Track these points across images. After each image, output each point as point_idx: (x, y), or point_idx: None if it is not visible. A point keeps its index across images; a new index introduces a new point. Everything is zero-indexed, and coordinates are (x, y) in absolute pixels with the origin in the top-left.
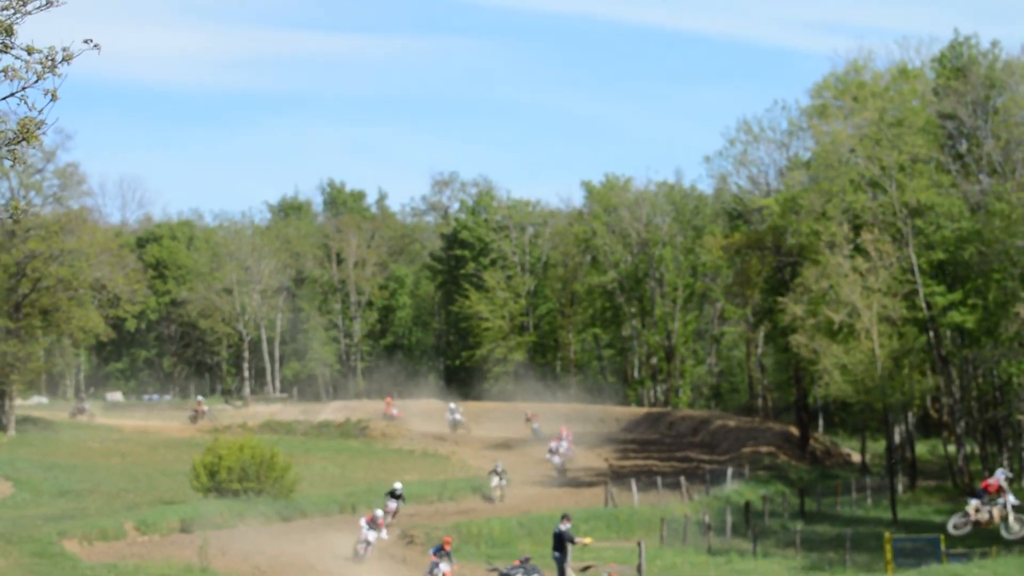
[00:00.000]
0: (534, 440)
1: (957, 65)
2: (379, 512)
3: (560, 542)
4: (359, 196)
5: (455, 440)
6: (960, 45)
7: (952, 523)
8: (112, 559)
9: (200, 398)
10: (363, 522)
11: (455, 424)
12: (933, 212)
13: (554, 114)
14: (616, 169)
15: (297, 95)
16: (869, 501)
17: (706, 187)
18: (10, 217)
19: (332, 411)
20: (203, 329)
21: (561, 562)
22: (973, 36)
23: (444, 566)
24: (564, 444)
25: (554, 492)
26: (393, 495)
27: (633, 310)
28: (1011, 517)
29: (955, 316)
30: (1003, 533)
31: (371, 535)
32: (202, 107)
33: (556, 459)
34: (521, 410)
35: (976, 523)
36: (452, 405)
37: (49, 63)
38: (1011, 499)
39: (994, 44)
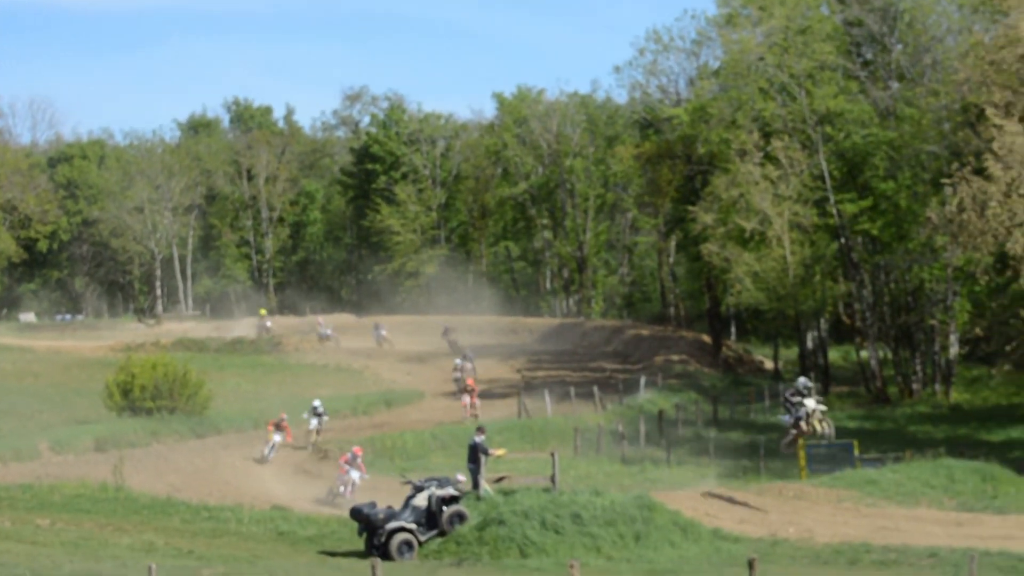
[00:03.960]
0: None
1: None
2: (284, 415)
3: (474, 454)
4: (267, 112)
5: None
6: None
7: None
8: (27, 479)
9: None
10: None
11: (262, 329)
12: (842, 119)
13: (467, 27)
14: (531, 81)
15: (203, 12)
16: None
17: (619, 97)
18: None
19: (245, 327)
20: (115, 248)
21: (476, 474)
22: None
23: (355, 474)
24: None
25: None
26: (315, 412)
27: (545, 221)
28: (816, 423)
29: (865, 223)
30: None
31: (277, 436)
32: (110, 26)
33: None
34: (434, 323)
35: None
36: (263, 312)
37: None
38: (810, 404)
39: None
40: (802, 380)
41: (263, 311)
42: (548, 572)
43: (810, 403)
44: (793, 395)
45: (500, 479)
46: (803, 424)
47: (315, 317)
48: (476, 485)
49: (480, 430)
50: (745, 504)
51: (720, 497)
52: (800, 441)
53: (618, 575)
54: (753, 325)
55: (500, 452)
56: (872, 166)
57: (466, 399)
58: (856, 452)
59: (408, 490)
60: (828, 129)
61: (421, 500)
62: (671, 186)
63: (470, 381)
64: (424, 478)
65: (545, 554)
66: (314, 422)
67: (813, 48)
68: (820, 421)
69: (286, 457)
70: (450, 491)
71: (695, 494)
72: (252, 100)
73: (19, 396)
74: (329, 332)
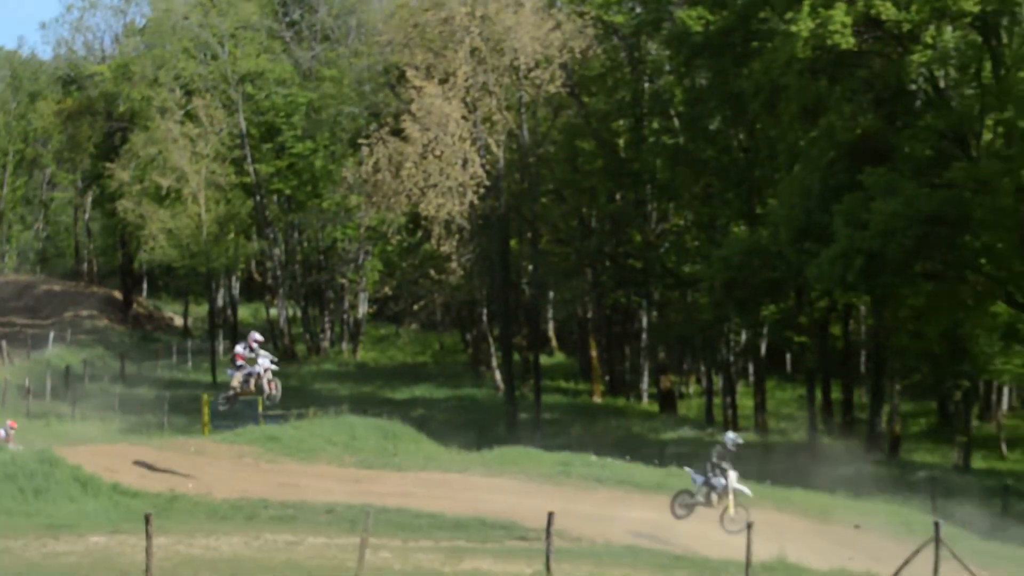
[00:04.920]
0: None
1: None
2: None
3: None
4: None
5: None
6: None
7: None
8: None
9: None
10: None
11: None
12: (264, 79)
13: None
14: None
15: None
16: (190, 364)
17: (44, 54)
18: None
19: None
20: None
21: None
22: None
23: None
24: None
25: None
26: None
27: None
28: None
29: (279, 184)
30: None
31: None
32: None
33: None
34: None
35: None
36: None
37: None
38: (732, 478)
39: None
40: (731, 436)
41: None
42: None
43: (732, 477)
44: (720, 457)
45: None
46: (714, 497)
47: None
48: None
49: None
50: (170, 471)
51: (145, 465)
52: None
53: (16, 530)
54: (165, 282)
55: None
56: (291, 126)
57: None
58: (260, 409)
59: None
60: (249, 88)
61: None
62: (90, 143)
63: None
64: None
65: None
66: None
67: (237, 8)
68: (726, 511)
69: None
70: None
71: (97, 448)
72: None
73: None
74: None
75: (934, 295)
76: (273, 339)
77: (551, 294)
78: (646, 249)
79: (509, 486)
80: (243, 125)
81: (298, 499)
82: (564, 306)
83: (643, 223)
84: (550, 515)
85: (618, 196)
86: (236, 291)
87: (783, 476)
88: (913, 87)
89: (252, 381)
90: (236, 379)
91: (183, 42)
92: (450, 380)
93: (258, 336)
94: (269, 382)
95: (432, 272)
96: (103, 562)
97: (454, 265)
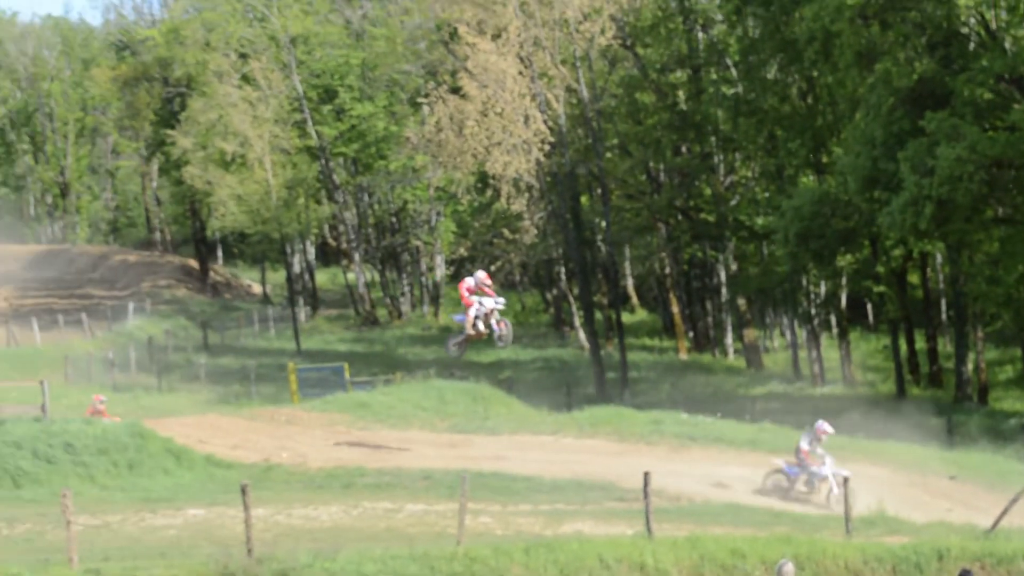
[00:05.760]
0: None
1: None
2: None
3: None
4: None
5: None
6: None
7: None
8: None
9: None
10: None
11: None
12: (314, 41)
13: None
14: (2, 4)
15: None
16: (272, 332)
17: (93, 20)
18: None
19: None
20: None
21: None
22: None
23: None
24: None
25: None
26: None
27: (25, 147)
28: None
29: (342, 147)
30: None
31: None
32: None
33: None
34: None
35: None
36: None
37: None
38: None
39: None
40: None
41: None
42: (42, 503)
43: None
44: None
45: None
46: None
47: None
48: None
49: None
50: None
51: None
52: None
53: (113, 505)
54: (240, 249)
55: None
56: (348, 88)
57: None
58: (347, 375)
59: None
60: (300, 51)
61: None
62: (150, 109)
63: None
64: None
65: (39, 484)
66: None
67: None
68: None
69: None
70: None
71: (187, 420)
72: None
73: None
74: None
75: (1008, 240)
76: (353, 304)
77: (627, 250)
78: (717, 202)
79: (603, 447)
80: (299, 87)
81: (394, 466)
82: (641, 262)
83: (711, 176)
84: (647, 475)
85: (683, 149)
86: (312, 256)
87: (874, 429)
88: (965, 30)
89: (482, 321)
90: (469, 320)
91: (232, 4)
92: (534, 341)
93: (486, 279)
94: (499, 321)
95: (506, 232)
96: (203, 534)
97: (527, 224)
